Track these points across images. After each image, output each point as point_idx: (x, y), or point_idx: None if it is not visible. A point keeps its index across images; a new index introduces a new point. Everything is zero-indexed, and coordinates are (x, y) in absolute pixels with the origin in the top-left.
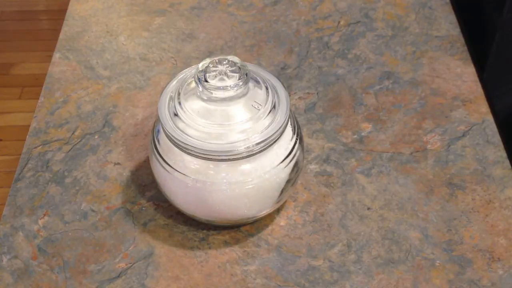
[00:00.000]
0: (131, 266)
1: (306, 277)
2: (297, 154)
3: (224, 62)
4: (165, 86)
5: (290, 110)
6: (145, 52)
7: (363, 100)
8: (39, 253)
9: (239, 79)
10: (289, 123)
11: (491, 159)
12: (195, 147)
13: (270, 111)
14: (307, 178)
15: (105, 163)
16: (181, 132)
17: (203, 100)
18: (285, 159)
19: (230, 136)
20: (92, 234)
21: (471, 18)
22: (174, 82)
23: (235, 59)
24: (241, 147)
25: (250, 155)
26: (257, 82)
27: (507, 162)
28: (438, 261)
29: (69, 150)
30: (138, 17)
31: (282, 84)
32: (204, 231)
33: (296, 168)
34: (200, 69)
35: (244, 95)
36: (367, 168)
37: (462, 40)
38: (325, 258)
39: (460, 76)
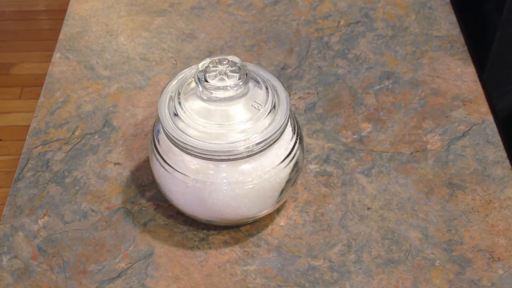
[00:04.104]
0: (131, 266)
1: (306, 277)
2: (297, 154)
3: (224, 62)
4: (165, 86)
5: (290, 110)
6: (145, 52)
7: (363, 100)
8: (39, 253)
9: (239, 79)
10: (289, 123)
11: (491, 159)
12: (195, 147)
13: (270, 111)
14: (307, 178)
15: (105, 163)
16: (181, 132)
17: (203, 100)
18: (285, 159)
19: (230, 136)
20: (92, 234)
21: (471, 18)
22: (174, 82)
23: (235, 59)
24: (241, 147)
25: (250, 155)
26: (257, 82)
27: (507, 162)
28: (438, 261)
29: (69, 150)
30: (138, 17)
31: (282, 84)
32: (204, 231)
33: (296, 168)
34: (200, 69)
35: (244, 95)
36: (367, 168)
37: (462, 40)
38: (325, 258)
39: (460, 76)
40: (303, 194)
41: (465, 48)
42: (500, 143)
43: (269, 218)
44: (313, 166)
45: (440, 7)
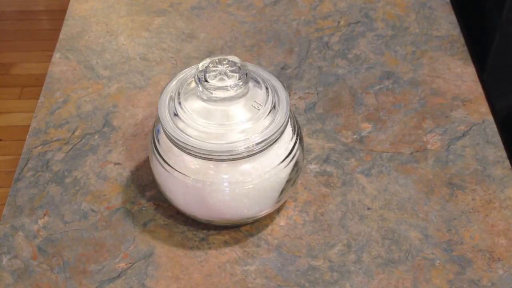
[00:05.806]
0: (131, 266)
1: (306, 277)
2: (297, 154)
3: (224, 62)
4: (165, 86)
5: (290, 110)
6: (145, 52)
7: (363, 100)
8: (39, 253)
9: (239, 79)
10: (289, 123)
11: (491, 159)
12: (195, 147)
13: (270, 111)
14: (307, 178)
15: (105, 163)
16: (181, 132)
17: (203, 100)
18: (285, 159)
19: (230, 136)
20: (92, 234)
21: (471, 18)
22: (174, 82)
23: (235, 59)
24: (241, 147)
25: (250, 155)
26: (257, 82)
27: (507, 162)
28: (438, 261)
29: (69, 150)
30: (138, 17)
31: (282, 84)
32: (204, 231)
33: (296, 168)
34: (200, 69)
35: (244, 95)
36: (367, 168)
37: (462, 40)
38: (325, 258)
39: (460, 76)
40: (303, 194)
41: (465, 48)
42: (500, 143)
43: (269, 218)
44: (313, 166)
45: (440, 7)
